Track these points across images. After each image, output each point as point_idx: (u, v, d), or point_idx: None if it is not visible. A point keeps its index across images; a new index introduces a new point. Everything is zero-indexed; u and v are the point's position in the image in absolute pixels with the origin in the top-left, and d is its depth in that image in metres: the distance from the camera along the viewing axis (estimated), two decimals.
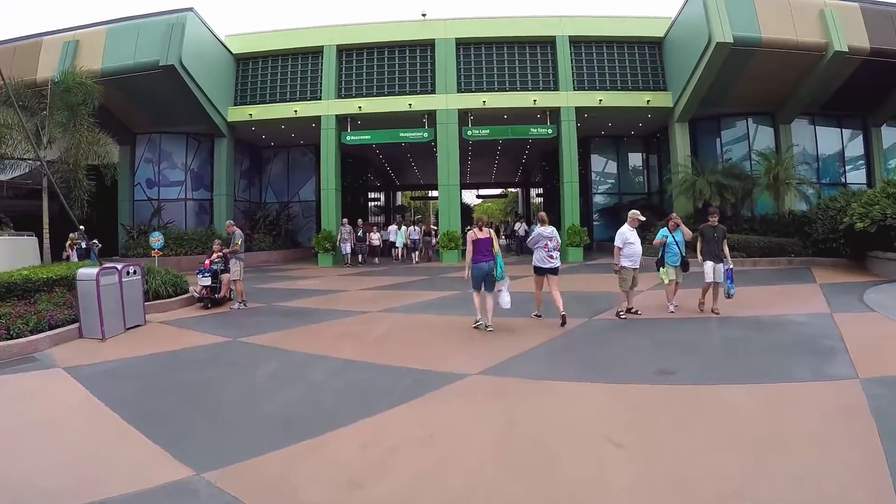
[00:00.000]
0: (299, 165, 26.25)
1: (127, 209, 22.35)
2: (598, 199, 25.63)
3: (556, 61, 20.27)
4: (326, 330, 8.15)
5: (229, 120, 21.27)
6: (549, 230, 7.82)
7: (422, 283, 13.70)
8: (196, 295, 11.10)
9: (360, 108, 20.08)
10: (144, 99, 19.72)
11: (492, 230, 7.65)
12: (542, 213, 8.32)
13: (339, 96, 20.69)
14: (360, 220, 19.52)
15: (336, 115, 20.35)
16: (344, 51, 21.13)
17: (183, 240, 20.32)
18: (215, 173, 22.02)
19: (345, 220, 19.57)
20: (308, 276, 16.42)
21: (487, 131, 20.14)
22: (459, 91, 20.18)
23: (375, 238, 20.64)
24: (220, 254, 11.34)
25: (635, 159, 26.05)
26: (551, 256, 7.78)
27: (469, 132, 19.93)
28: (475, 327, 7.56)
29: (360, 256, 19.58)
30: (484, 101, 19.70)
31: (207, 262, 11.40)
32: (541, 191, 36.19)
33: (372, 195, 40.92)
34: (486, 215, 78.08)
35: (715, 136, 21.43)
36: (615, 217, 24.06)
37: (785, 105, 19.51)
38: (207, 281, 10.92)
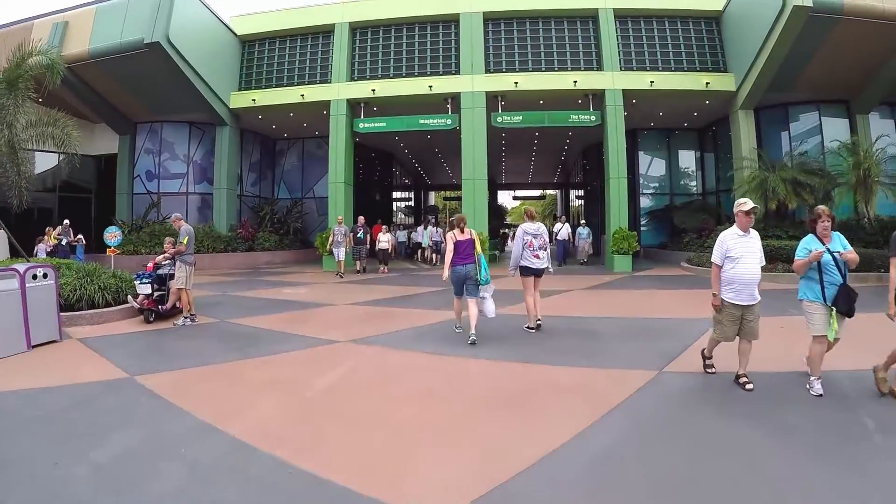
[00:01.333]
0: (314, 158, 23.86)
1: (125, 203, 20.73)
2: (645, 202, 22.49)
3: (599, 38, 17.31)
4: (259, 371, 5.60)
5: (232, 106, 19.24)
6: (535, 227, 7.24)
7: (430, 298, 10.82)
8: (136, 306, 8.73)
9: (373, 91, 17.59)
10: (138, 83, 17.97)
11: (474, 231, 7.02)
12: (530, 209, 7.76)
13: (352, 79, 18.30)
14: (360, 217, 16.39)
15: (347, 100, 17.92)
16: (358, 29, 18.75)
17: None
18: (216, 165, 19.98)
19: (339, 217, 16.06)
20: (302, 282, 13.95)
21: (520, 118, 17.28)
22: (488, 72, 17.43)
23: (384, 240, 16.41)
24: (169, 255, 8.98)
25: (687, 156, 22.75)
26: (538, 256, 7.18)
27: (498, 118, 17.14)
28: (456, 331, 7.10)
29: (358, 263, 16.16)
30: (516, 83, 16.90)
31: (151, 264, 9.09)
32: (581, 192, 32.96)
33: (402, 194, 38.51)
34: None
35: (780, 127, 18.26)
36: (665, 221, 21.31)
37: (863, 91, 16.36)
38: (146, 289, 8.63)
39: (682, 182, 22.67)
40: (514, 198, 56.13)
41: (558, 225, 20.13)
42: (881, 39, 14.18)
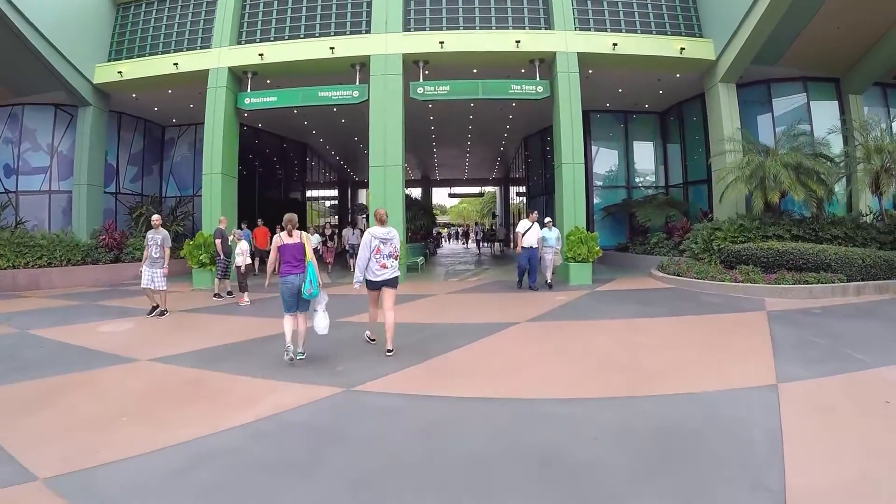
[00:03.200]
0: None
1: None
2: (598, 196, 19.44)
3: None
4: None
5: (96, 82, 15.27)
6: (385, 231, 6.13)
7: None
8: None
9: (260, 55, 13.74)
10: None
11: (303, 233, 6.01)
12: (381, 210, 6.43)
13: (238, 42, 14.45)
14: (222, 218, 12.04)
15: (229, 69, 14.02)
16: None
17: (27, 246, 14.19)
18: (76, 155, 15.96)
19: (156, 218, 9.59)
20: (139, 309, 9.90)
21: (447, 88, 13.55)
22: (406, 30, 13.71)
23: (241, 255, 11.11)
24: None
25: (647, 143, 19.82)
26: (384, 266, 6.09)
27: (419, 89, 13.43)
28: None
29: (216, 284, 11.57)
30: (442, 44, 13.18)
31: None
32: (523, 189, 29.41)
33: (324, 193, 34.67)
34: (463, 217, 70.16)
35: (762, 108, 15.55)
36: (622, 219, 18.52)
37: (858, 67, 14.31)
38: None
39: (641, 172, 19.83)
40: (451, 195, 52.35)
41: (524, 223, 11.80)
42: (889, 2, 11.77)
